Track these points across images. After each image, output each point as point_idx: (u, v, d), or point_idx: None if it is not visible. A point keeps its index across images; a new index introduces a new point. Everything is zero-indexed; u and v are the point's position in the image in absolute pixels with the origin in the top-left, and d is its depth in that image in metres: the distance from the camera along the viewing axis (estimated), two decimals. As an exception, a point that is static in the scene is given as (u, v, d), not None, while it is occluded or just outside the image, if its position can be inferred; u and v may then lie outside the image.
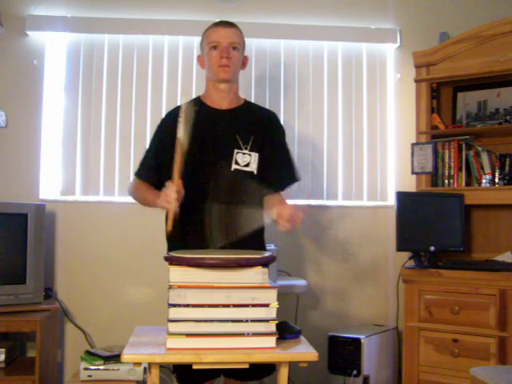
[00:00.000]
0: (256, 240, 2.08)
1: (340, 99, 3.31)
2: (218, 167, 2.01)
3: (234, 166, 2.02)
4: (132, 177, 2.12)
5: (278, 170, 2.10)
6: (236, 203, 1.99)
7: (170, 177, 1.97)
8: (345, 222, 3.27)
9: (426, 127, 3.06)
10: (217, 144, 2.04)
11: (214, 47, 2.02)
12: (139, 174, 2.12)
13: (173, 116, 2.10)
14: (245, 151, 2.03)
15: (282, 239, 2.90)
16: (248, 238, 1.97)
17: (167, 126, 2.08)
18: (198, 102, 2.12)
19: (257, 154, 2.04)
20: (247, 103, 2.17)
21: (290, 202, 2.05)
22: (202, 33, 2.12)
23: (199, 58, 2.14)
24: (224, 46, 2.00)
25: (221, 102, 2.09)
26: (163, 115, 2.21)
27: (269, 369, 1.98)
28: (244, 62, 2.12)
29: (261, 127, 2.09)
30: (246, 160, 2.03)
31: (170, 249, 2.05)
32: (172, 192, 1.79)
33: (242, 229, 2.00)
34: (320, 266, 3.25)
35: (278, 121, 2.20)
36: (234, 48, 2.02)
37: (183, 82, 3.20)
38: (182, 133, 1.82)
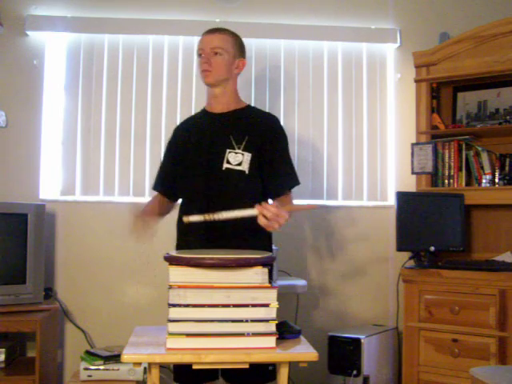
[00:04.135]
0: (261, 243, 2.08)
1: (340, 99, 3.31)
2: (209, 167, 2.03)
3: (225, 166, 2.02)
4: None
5: (278, 175, 2.09)
6: (228, 202, 1.96)
7: (180, 184, 2.11)
8: (345, 222, 3.27)
9: (426, 127, 3.06)
10: (210, 145, 2.06)
11: (200, 55, 2.10)
12: (153, 186, 2.26)
13: (183, 126, 2.22)
14: (237, 150, 2.03)
15: (282, 239, 2.90)
16: (253, 240, 1.98)
17: (176, 137, 2.21)
18: (202, 110, 2.20)
19: (250, 154, 2.03)
20: (248, 107, 2.18)
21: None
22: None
23: None
24: (206, 52, 2.07)
25: (217, 105, 2.13)
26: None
27: (269, 376, 1.95)
28: (239, 65, 2.12)
29: (258, 129, 2.08)
30: (239, 159, 2.03)
31: (177, 246, 2.13)
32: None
33: (232, 227, 1.99)
34: (320, 266, 3.24)
35: (279, 125, 2.17)
36: (216, 53, 2.06)
37: (183, 82, 3.20)
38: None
